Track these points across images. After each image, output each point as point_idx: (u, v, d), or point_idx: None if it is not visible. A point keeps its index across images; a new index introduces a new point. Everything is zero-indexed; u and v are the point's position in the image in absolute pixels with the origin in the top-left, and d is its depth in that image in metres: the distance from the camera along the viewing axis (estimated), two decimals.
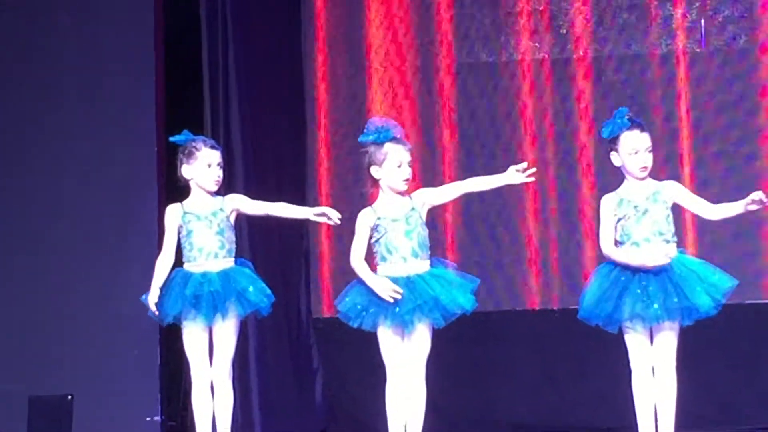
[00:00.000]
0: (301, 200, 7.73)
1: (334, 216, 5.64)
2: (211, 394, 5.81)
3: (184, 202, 5.77)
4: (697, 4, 8.39)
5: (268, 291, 5.84)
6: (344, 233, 6.36)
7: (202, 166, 5.71)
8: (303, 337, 8.05)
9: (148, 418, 7.30)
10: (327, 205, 6.78)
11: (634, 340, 5.58)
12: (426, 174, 7.73)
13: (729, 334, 7.72)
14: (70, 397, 7.20)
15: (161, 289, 5.69)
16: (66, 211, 7.54)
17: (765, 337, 8.10)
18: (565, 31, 8.40)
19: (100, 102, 7.60)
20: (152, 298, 5.63)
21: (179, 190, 5.94)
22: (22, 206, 7.65)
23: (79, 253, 7.41)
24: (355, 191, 7.75)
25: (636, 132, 5.69)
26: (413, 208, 5.64)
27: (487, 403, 7.99)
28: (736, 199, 5.60)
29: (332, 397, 8.01)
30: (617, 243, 5.66)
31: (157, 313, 5.69)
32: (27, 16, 7.84)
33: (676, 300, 5.56)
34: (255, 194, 6.15)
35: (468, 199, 7.06)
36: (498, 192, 6.49)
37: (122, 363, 7.30)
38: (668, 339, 5.61)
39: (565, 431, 7.63)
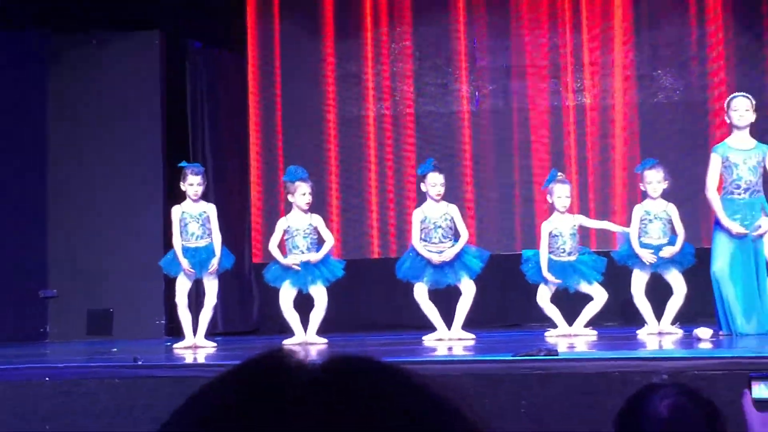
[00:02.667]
0: (244, 200, 9.61)
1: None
2: (188, 310, 7.38)
3: (182, 204, 7.44)
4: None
5: (232, 256, 7.59)
6: (271, 222, 8.50)
7: (190, 185, 7.37)
8: (246, 275, 9.40)
9: (157, 321, 8.87)
10: (257, 206, 9.10)
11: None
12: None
13: None
14: (111, 310, 8.92)
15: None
16: (109, 203, 9.07)
17: None
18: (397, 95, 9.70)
19: (131, 139, 9.04)
20: (184, 262, 7.27)
21: (177, 197, 7.66)
22: (84, 200, 9.09)
23: (116, 228, 8.98)
24: (275, 199, 9.34)
25: (436, 173, 7.50)
26: (310, 224, 7.57)
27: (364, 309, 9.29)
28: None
29: (264, 313, 9.26)
30: None
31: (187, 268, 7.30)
32: (79, 82, 9.27)
33: None
34: (218, 196, 8.20)
35: None
36: None
37: (141, 291, 8.88)
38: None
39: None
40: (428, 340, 7.38)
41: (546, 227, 7.76)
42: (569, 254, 7.64)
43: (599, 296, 7.58)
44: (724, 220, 6.77)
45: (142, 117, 9.11)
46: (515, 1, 9.73)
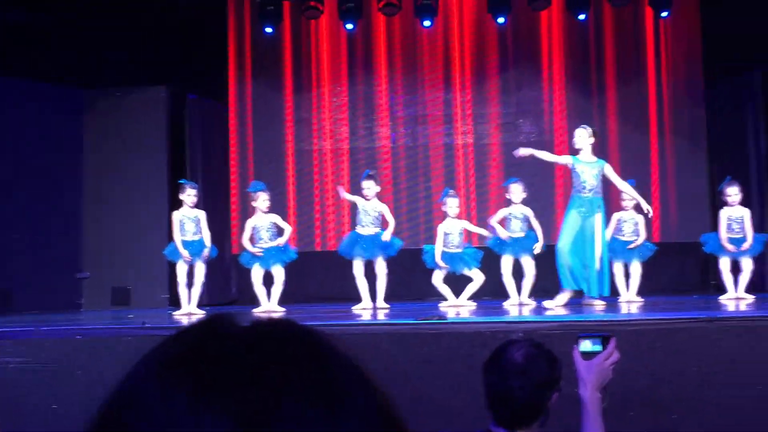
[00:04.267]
0: (226, 209, 9.53)
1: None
2: (186, 287, 7.25)
3: (181, 210, 7.35)
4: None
5: (216, 249, 7.43)
6: (247, 215, 8.12)
7: (188, 195, 7.36)
8: (227, 262, 9.13)
9: (162, 296, 8.67)
10: (234, 213, 8.96)
11: None
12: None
13: None
14: (129, 287, 8.85)
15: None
16: (129, 211, 8.95)
17: None
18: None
19: (145, 166, 8.93)
20: (183, 252, 7.19)
21: (177, 205, 7.53)
22: (109, 208, 8.99)
23: (133, 228, 8.86)
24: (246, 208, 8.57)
25: (369, 180, 7.43)
26: (270, 222, 7.39)
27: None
28: None
29: (240, 289, 9.09)
30: None
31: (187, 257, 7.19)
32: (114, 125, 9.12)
33: None
34: (207, 206, 7.94)
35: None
36: None
37: (151, 274, 8.73)
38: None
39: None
40: (356, 308, 7.32)
41: (441, 228, 7.76)
42: (457, 247, 7.63)
43: (478, 278, 7.62)
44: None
45: (153, 150, 8.98)
46: (420, 68, 9.75)
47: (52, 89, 8.79)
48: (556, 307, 6.65)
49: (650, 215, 7.10)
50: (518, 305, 7.22)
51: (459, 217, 7.84)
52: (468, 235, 7.94)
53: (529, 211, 7.48)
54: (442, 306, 7.44)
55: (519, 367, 2.17)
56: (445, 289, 7.66)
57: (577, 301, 6.93)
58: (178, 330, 0.69)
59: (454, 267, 7.59)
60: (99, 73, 9.05)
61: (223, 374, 0.64)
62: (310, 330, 0.70)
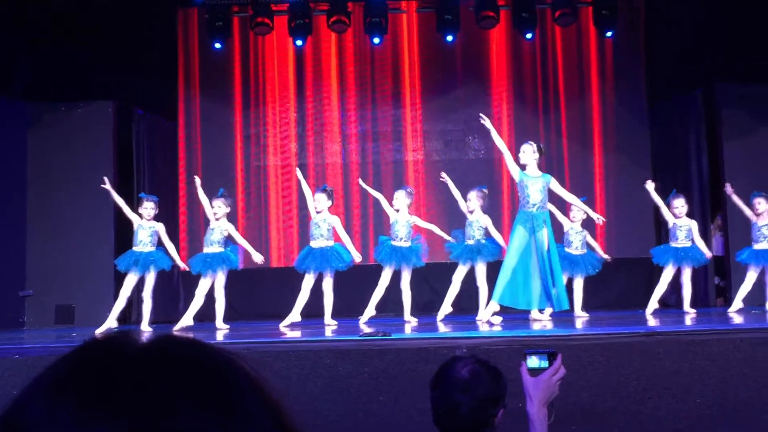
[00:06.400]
0: (174, 223, 9.24)
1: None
2: (128, 301, 7.17)
3: (141, 221, 7.15)
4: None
5: (169, 260, 7.22)
6: (196, 228, 8.69)
7: (146, 208, 7.20)
8: (176, 278, 9.26)
9: (108, 314, 7.67)
10: (182, 227, 8.90)
11: None
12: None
13: None
14: (74, 305, 8.70)
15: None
16: (74, 227, 8.81)
17: None
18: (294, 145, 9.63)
19: (92, 180, 8.23)
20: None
21: (124, 223, 7.48)
22: (53, 225, 8.85)
23: (79, 244, 8.74)
24: (196, 223, 9.22)
25: (322, 194, 7.42)
26: (221, 228, 7.36)
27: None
28: None
29: (187, 304, 7.93)
30: None
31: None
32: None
33: None
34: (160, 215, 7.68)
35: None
36: None
37: (96, 292, 8.59)
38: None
39: None
40: (283, 325, 7.22)
41: (390, 213, 7.73)
42: (404, 240, 7.49)
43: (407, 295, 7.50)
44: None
45: (100, 166, 8.66)
46: (371, 85, 9.81)
47: None
48: (494, 318, 6.69)
49: (601, 222, 7.20)
50: (480, 319, 7.01)
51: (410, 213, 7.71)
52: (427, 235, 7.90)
53: (487, 220, 7.43)
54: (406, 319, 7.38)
55: (464, 383, 2.20)
56: (379, 292, 7.48)
57: (524, 316, 6.98)
58: (69, 350, 0.68)
59: (396, 261, 7.42)
60: (45, 86, 8.94)
61: (112, 388, 0.64)
62: (205, 345, 0.70)
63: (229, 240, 7.45)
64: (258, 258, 7.31)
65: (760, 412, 4.59)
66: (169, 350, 0.69)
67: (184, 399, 0.64)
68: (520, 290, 6.64)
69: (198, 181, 7.51)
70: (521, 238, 6.72)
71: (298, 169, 8.10)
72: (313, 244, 7.32)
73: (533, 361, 2.21)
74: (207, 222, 7.49)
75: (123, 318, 7.82)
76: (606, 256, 7.77)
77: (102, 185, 7.45)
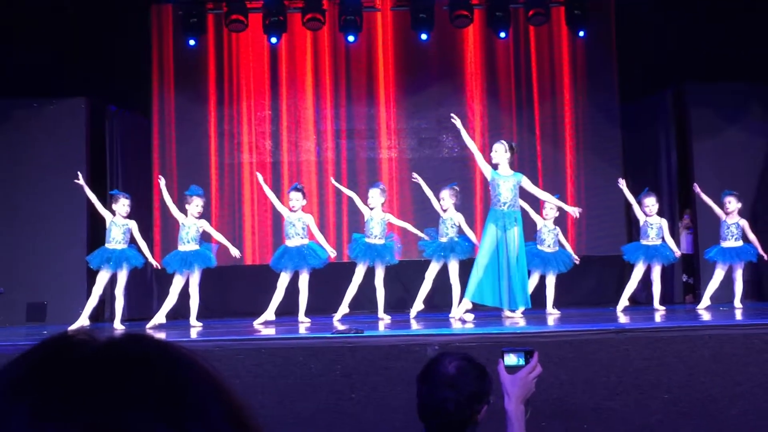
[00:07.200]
0: (148, 221, 9.11)
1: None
2: (100, 299, 7.14)
3: (114, 218, 7.13)
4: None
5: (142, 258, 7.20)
6: (170, 225, 8.44)
7: (120, 206, 7.18)
8: (149, 275, 9.19)
9: (80, 310, 7.52)
10: (157, 224, 8.82)
11: None
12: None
13: None
14: (45, 302, 8.59)
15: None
16: (45, 224, 8.71)
17: None
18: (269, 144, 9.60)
19: (64, 177, 8.20)
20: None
21: (96, 219, 7.49)
22: (23, 221, 8.71)
23: (50, 241, 8.62)
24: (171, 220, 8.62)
25: (297, 192, 7.35)
26: (196, 225, 7.29)
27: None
28: None
29: (161, 303, 7.84)
30: None
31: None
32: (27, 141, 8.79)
33: None
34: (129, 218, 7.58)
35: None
36: None
37: (68, 289, 8.52)
38: None
39: None
40: (257, 322, 7.19)
41: (365, 211, 7.71)
42: (377, 238, 7.49)
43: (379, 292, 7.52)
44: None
45: (72, 163, 8.50)
46: (345, 83, 9.78)
47: None
48: (466, 315, 6.71)
49: (577, 215, 7.18)
50: (451, 316, 6.99)
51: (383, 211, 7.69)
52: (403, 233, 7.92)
53: (460, 217, 7.42)
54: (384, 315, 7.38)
55: (450, 379, 2.22)
56: (353, 287, 7.48)
57: (496, 314, 7.00)
58: (28, 348, 0.68)
59: (370, 258, 7.43)
60: (15, 82, 8.79)
61: (69, 388, 0.63)
62: (168, 345, 0.70)
63: (203, 238, 7.40)
64: (235, 252, 7.27)
65: (727, 407, 4.64)
66: (129, 350, 0.68)
67: (140, 400, 0.63)
68: (491, 288, 6.67)
69: (163, 181, 7.47)
70: (493, 236, 6.73)
71: (258, 173, 8.09)
72: (289, 243, 7.28)
73: (511, 359, 2.24)
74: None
75: (96, 315, 7.77)
76: (575, 257, 7.77)
77: (75, 180, 7.41)
